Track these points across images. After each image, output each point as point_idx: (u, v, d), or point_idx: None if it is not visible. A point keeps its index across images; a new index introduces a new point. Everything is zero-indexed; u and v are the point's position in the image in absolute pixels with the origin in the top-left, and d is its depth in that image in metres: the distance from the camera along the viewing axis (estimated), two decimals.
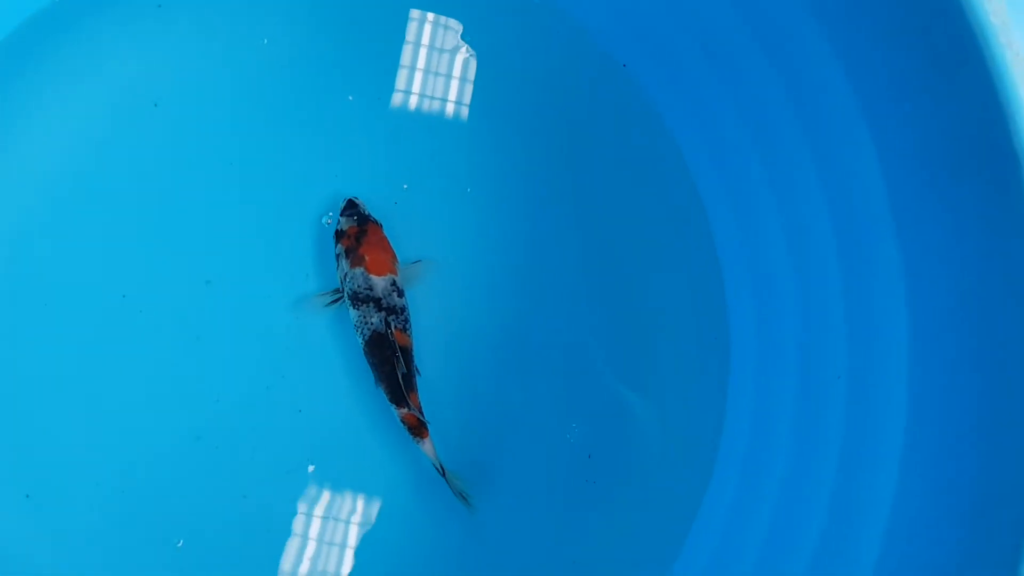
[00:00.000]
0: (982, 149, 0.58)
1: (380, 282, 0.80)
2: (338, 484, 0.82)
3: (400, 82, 0.88)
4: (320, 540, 0.81)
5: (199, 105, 0.85)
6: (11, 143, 0.83)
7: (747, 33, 0.73)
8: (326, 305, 0.82)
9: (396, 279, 0.81)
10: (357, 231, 0.81)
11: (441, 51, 0.88)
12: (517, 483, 0.83)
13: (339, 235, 0.82)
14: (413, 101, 0.88)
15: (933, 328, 0.65)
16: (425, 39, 0.88)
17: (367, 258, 0.81)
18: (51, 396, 0.80)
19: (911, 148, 0.64)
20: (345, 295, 0.81)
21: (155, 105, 0.85)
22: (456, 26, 0.88)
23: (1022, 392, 0.58)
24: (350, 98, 0.87)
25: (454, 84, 0.88)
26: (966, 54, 0.55)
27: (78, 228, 0.83)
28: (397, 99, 0.87)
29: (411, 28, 0.88)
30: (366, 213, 0.83)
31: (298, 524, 0.81)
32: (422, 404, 0.80)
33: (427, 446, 0.79)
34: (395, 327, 0.80)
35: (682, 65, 0.82)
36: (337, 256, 0.82)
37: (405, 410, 0.79)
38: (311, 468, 0.81)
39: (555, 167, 0.87)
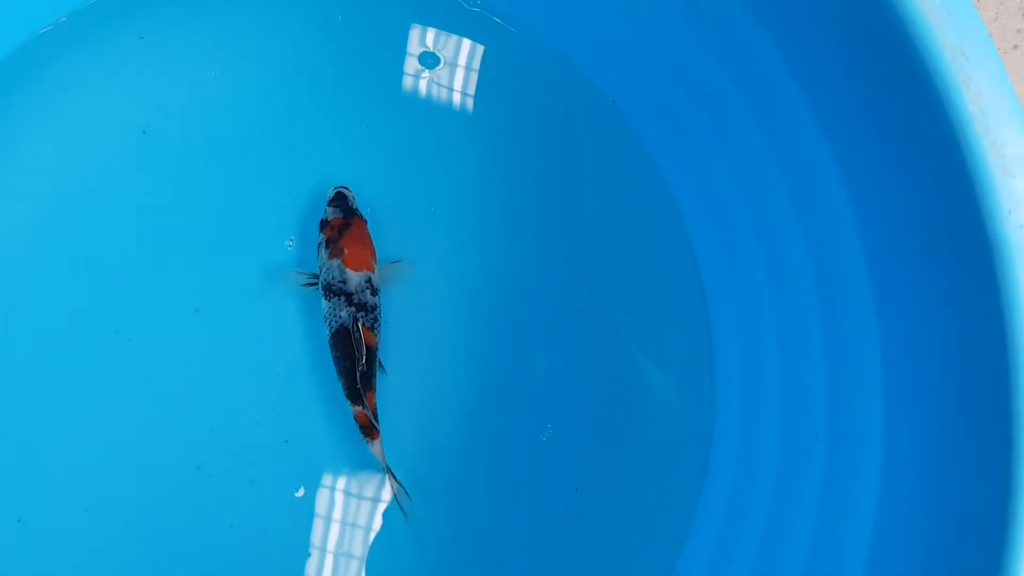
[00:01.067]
0: (957, 230, 0.57)
1: (355, 277, 0.80)
2: (335, 507, 0.81)
3: (391, 106, 0.88)
4: (318, 564, 0.80)
5: (186, 131, 0.85)
6: None
7: (733, 90, 0.72)
8: (300, 285, 0.82)
9: (372, 277, 0.81)
10: (341, 223, 0.82)
11: (436, 82, 0.88)
12: (492, 497, 0.83)
13: (323, 224, 0.82)
14: (404, 125, 0.88)
15: (905, 395, 0.65)
16: (414, 68, 0.88)
17: (346, 251, 0.81)
18: (46, 424, 0.80)
19: (890, 223, 0.63)
20: (320, 284, 0.82)
21: (143, 133, 0.85)
22: (452, 58, 0.88)
23: (992, 460, 0.57)
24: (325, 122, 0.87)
25: (446, 108, 0.88)
26: (944, 140, 0.53)
27: (72, 258, 0.83)
28: (388, 122, 0.87)
29: (398, 55, 0.88)
30: (353, 207, 0.83)
31: (294, 548, 0.80)
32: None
33: (376, 447, 0.79)
34: (363, 324, 0.80)
35: (671, 106, 0.82)
36: (318, 245, 0.83)
37: (359, 408, 0.79)
38: (300, 492, 0.81)
39: (543, 194, 0.88)
